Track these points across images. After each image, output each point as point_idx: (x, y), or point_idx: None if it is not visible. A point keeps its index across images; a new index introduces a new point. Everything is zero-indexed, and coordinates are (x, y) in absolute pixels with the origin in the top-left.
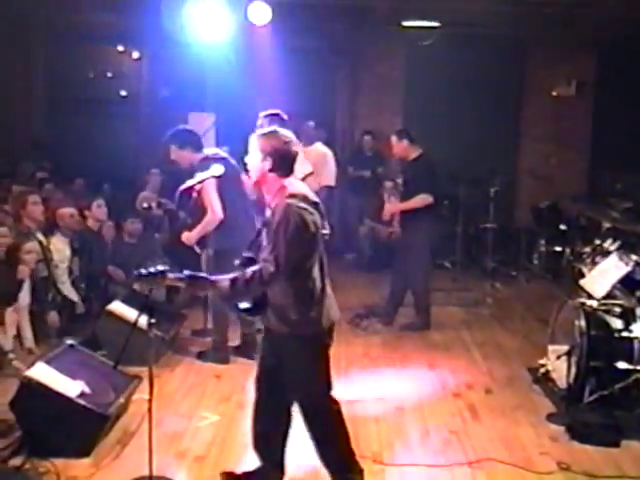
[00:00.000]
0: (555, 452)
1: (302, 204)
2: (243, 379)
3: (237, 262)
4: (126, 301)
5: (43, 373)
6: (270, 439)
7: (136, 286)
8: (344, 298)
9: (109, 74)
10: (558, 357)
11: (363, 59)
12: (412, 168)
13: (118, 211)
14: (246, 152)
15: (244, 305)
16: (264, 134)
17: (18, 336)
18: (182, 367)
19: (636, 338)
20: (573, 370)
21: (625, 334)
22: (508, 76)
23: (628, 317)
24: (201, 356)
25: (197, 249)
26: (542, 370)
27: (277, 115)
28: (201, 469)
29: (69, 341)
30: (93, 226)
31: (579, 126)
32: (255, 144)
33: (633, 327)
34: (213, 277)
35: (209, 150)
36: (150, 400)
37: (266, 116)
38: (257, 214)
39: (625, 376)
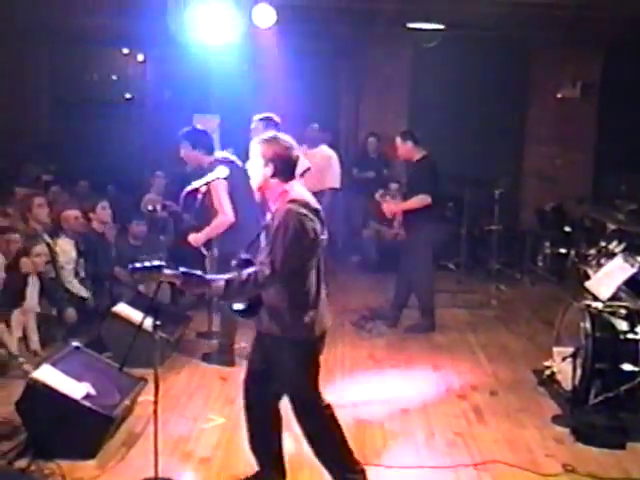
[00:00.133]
0: (560, 454)
1: (303, 210)
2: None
3: (234, 263)
4: (131, 303)
5: (49, 375)
6: (266, 441)
7: (141, 288)
8: (349, 300)
9: (114, 77)
10: (563, 359)
11: (368, 61)
12: (415, 169)
13: (123, 213)
14: (248, 155)
15: (238, 306)
16: (265, 140)
17: (24, 338)
18: (187, 369)
19: None
20: (578, 372)
21: (630, 336)
22: (513, 78)
23: (633, 319)
24: (206, 358)
25: (204, 251)
26: (547, 372)
27: (271, 118)
28: (206, 471)
29: (75, 343)
30: (98, 228)
31: (584, 128)
32: (256, 150)
33: (638, 329)
34: (209, 276)
35: (220, 153)
36: (155, 402)
37: (261, 119)
38: (261, 217)
39: (630, 378)
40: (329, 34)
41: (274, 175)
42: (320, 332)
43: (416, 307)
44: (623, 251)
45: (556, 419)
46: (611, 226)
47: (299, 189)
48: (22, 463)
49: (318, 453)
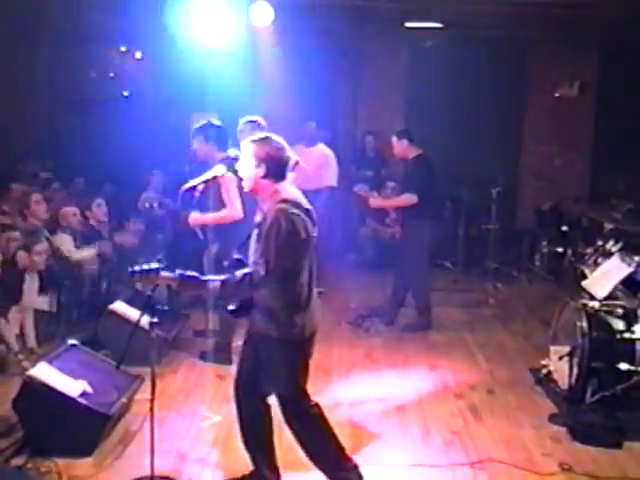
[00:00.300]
0: (557, 453)
1: (294, 209)
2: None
3: (226, 263)
4: (129, 301)
5: (45, 373)
6: (257, 439)
7: (138, 286)
8: (346, 299)
9: (111, 74)
10: (560, 358)
11: (365, 60)
12: (410, 167)
13: (120, 211)
14: None
15: (229, 307)
16: (257, 140)
17: (21, 335)
18: (184, 367)
19: (638, 339)
20: (575, 371)
21: (627, 335)
22: (510, 77)
23: (630, 318)
24: (203, 356)
25: (200, 235)
26: (544, 371)
27: (257, 121)
28: (203, 469)
29: (71, 341)
30: (95, 225)
31: (581, 127)
32: (248, 150)
33: (635, 328)
34: (205, 277)
35: (233, 151)
36: (152, 400)
37: (248, 122)
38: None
39: (627, 377)
40: (327, 33)
41: (266, 176)
42: (310, 333)
43: (413, 306)
44: (620, 250)
45: (553, 418)
46: (608, 225)
47: (290, 189)
48: (19, 461)
49: (309, 453)
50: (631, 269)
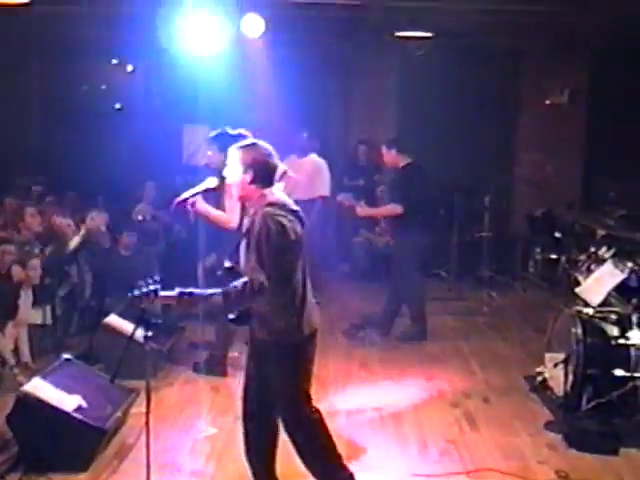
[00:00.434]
0: (553, 461)
1: (281, 211)
2: (241, 391)
3: (219, 272)
4: (123, 314)
5: (40, 388)
6: (262, 451)
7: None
8: (340, 309)
9: (103, 87)
10: (555, 365)
11: (357, 70)
12: (400, 176)
13: (113, 223)
14: None
15: (231, 315)
16: (244, 147)
17: (15, 350)
18: (180, 380)
19: (633, 345)
20: (570, 378)
21: (621, 341)
22: (502, 85)
23: (624, 324)
24: (197, 368)
25: (191, 211)
26: (539, 378)
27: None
28: None
29: (65, 355)
30: (92, 237)
31: (573, 134)
32: (235, 156)
33: (629, 334)
34: (205, 292)
35: None
36: (147, 414)
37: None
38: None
39: (622, 383)
40: (318, 43)
41: (253, 181)
42: (309, 332)
43: (408, 316)
44: (613, 257)
45: (549, 425)
46: (601, 232)
47: (277, 193)
48: (14, 477)
49: (306, 460)
50: (624, 275)
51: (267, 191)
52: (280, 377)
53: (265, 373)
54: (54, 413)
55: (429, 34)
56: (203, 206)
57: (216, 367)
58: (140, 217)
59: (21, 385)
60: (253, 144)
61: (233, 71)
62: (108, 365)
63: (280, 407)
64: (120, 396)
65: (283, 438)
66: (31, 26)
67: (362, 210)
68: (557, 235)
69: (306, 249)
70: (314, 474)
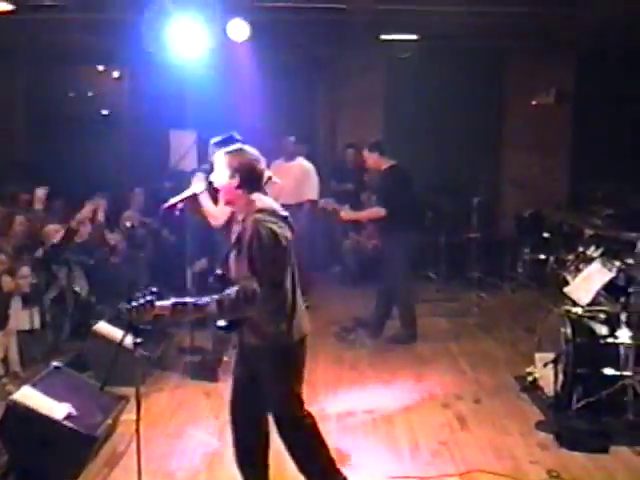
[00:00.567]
0: (545, 460)
1: (271, 218)
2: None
3: (210, 280)
4: (112, 321)
5: (29, 396)
6: (252, 456)
7: (121, 306)
8: (330, 312)
9: (90, 93)
10: (545, 365)
11: (343, 73)
12: (384, 180)
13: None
14: None
15: (220, 323)
16: (231, 151)
17: (4, 359)
18: (170, 386)
19: (621, 344)
20: (560, 377)
21: (611, 340)
22: (488, 86)
23: (613, 323)
24: (188, 372)
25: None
26: (529, 378)
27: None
28: None
29: (55, 363)
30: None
31: (559, 134)
32: (222, 161)
33: (618, 333)
34: (199, 301)
35: None
36: (137, 420)
37: (216, 143)
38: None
39: (612, 382)
40: (304, 47)
41: (240, 186)
42: (299, 337)
43: (398, 318)
44: (601, 256)
45: (539, 425)
46: (588, 231)
47: (265, 199)
48: None
49: (300, 464)
50: (612, 274)
51: (255, 197)
52: (271, 382)
53: (255, 379)
54: (44, 421)
55: (414, 37)
56: (205, 199)
57: (208, 372)
58: (128, 224)
59: (10, 394)
60: (240, 149)
61: (219, 76)
62: (98, 372)
63: (272, 412)
64: (110, 403)
65: (276, 443)
66: (17, 33)
67: (346, 214)
68: (545, 235)
69: (295, 254)
70: (309, 478)
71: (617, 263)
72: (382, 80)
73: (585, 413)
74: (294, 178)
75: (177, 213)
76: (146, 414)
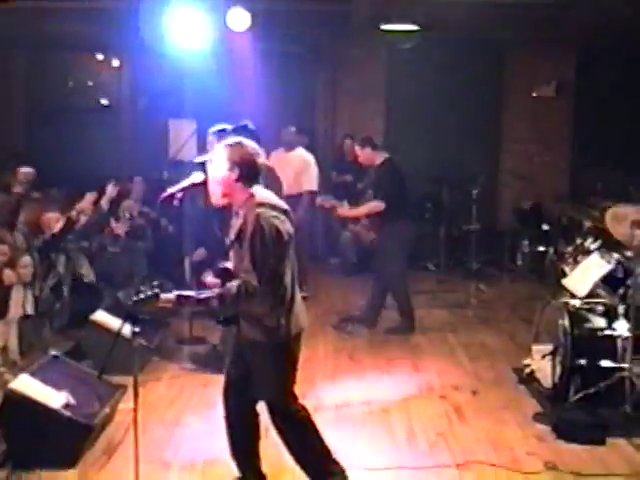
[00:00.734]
0: (542, 452)
1: (273, 212)
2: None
3: (212, 274)
4: (110, 310)
5: (27, 385)
6: (246, 448)
7: (120, 295)
8: (329, 302)
9: (89, 83)
10: (543, 357)
11: (343, 63)
12: (378, 173)
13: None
14: None
15: (220, 316)
16: (230, 144)
17: (3, 348)
18: (167, 376)
19: (619, 336)
20: (558, 369)
21: (608, 332)
22: (488, 77)
23: (611, 315)
24: (196, 362)
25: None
26: (527, 370)
27: (225, 130)
28: (188, 478)
29: (53, 352)
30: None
31: (560, 126)
32: (221, 154)
33: (616, 325)
34: (201, 295)
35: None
36: (135, 410)
37: (215, 132)
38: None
39: (609, 374)
40: (304, 37)
41: (239, 179)
42: (296, 331)
43: (396, 308)
44: (599, 248)
45: (537, 417)
46: (587, 223)
47: (264, 192)
48: (2, 474)
49: (296, 457)
50: (610, 266)
51: (254, 190)
52: (266, 376)
53: (250, 372)
54: (42, 410)
55: (415, 27)
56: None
57: (217, 362)
58: (127, 214)
59: (8, 383)
60: (239, 142)
61: (219, 65)
62: (96, 361)
63: (268, 406)
64: (108, 392)
65: (272, 435)
66: (16, 21)
67: (343, 211)
68: (545, 227)
69: (294, 246)
70: (306, 471)
71: (615, 255)
72: (382, 71)
73: (582, 405)
74: (293, 169)
75: (175, 203)
76: (144, 403)
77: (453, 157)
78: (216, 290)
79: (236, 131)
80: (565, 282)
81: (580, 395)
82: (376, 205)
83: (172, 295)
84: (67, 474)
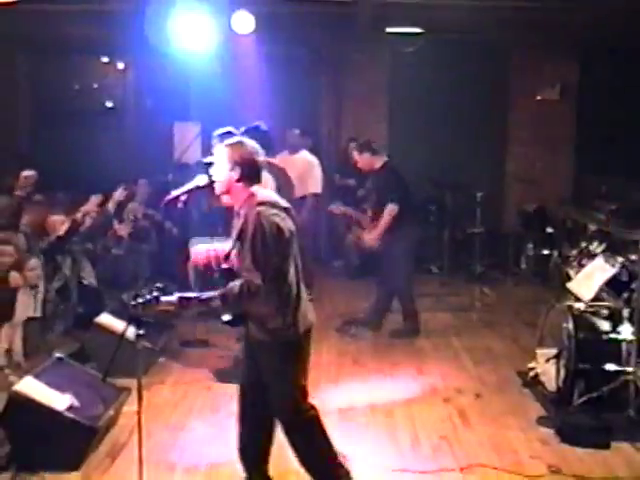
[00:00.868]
0: (546, 455)
1: (273, 210)
2: (233, 390)
3: (216, 274)
4: (114, 313)
5: (31, 387)
6: (256, 450)
7: (124, 297)
8: (332, 305)
9: (94, 85)
10: (547, 360)
11: (347, 66)
12: (380, 178)
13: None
14: None
15: (225, 317)
16: (231, 144)
17: (8, 350)
18: (172, 378)
19: (624, 340)
20: (562, 373)
21: (613, 336)
22: (492, 80)
23: (615, 319)
24: (222, 374)
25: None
26: (531, 374)
27: (230, 132)
28: None
29: (57, 354)
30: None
31: (564, 129)
32: (222, 154)
33: (620, 329)
34: (203, 295)
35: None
36: (139, 412)
37: (219, 135)
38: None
39: (614, 378)
40: (308, 40)
41: (240, 179)
42: (304, 329)
43: (400, 312)
44: (604, 251)
45: (541, 420)
46: (592, 227)
47: (265, 191)
48: (6, 476)
49: (302, 458)
50: (615, 270)
51: (255, 189)
52: (277, 376)
53: (261, 372)
54: (46, 412)
55: (419, 30)
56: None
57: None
58: (132, 216)
59: (13, 385)
60: (240, 142)
61: (223, 68)
62: (100, 363)
63: (278, 405)
64: (112, 394)
65: (278, 436)
66: (20, 24)
67: (370, 237)
68: (549, 230)
69: (298, 246)
70: (311, 472)
71: (620, 259)
72: (386, 74)
73: (586, 409)
74: (297, 171)
75: (180, 206)
76: (148, 406)
77: (457, 160)
78: (218, 290)
79: (248, 132)
80: (569, 285)
81: (584, 399)
82: (392, 209)
83: (174, 297)
84: (71, 476)
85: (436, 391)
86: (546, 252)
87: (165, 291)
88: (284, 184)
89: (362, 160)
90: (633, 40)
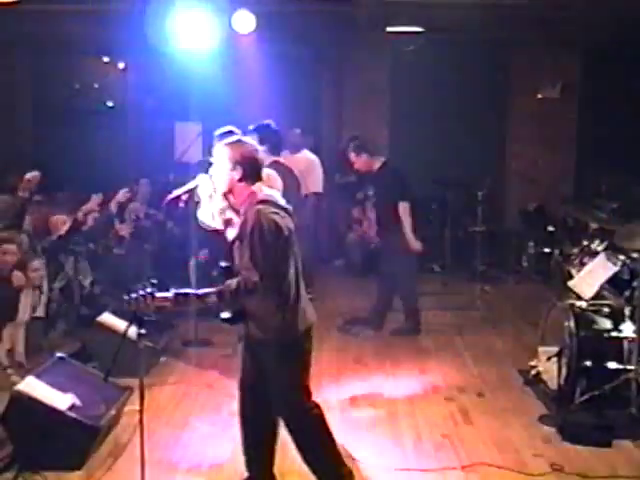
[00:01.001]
0: (548, 453)
1: (273, 209)
2: (235, 389)
3: (215, 272)
4: (116, 312)
5: (33, 387)
6: (259, 449)
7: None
8: (334, 304)
9: (95, 85)
10: (549, 358)
11: (348, 65)
12: (380, 178)
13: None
14: None
15: (224, 315)
16: (231, 143)
17: (10, 350)
18: (174, 377)
19: (625, 338)
20: (564, 371)
21: (614, 334)
22: (493, 79)
23: (617, 317)
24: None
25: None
26: (533, 372)
27: (231, 131)
28: None
29: (59, 354)
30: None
31: (564, 128)
32: (222, 154)
33: (622, 327)
34: (200, 291)
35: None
36: (141, 411)
37: (219, 135)
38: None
39: (615, 376)
40: (309, 39)
41: (241, 179)
42: (305, 327)
43: (402, 310)
44: (605, 250)
45: (543, 419)
46: (593, 225)
47: (265, 189)
48: (8, 476)
49: (306, 456)
50: (616, 268)
51: (255, 188)
52: (280, 375)
53: (263, 372)
54: (48, 412)
55: (420, 29)
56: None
57: None
58: (133, 216)
59: (15, 384)
60: (239, 140)
61: (224, 67)
62: (102, 363)
63: (281, 404)
64: (114, 394)
65: (282, 434)
66: (21, 24)
67: (415, 245)
68: (550, 229)
69: (298, 245)
70: (314, 471)
71: (621, 257)
72: (387, 72)
73: (588, 407)
74: (299, 170)
75: (181, 205)
76: (150, 405)
77: (458, 159)
78: (216, 287)
79: (259, 130)
80: (571, 284)
81: (586, 397)
82: (405, 207)
83: (169, 294)
84: (73, 476)
85: (438, 389)
86: (547, 250)
87: (160, 286)
88: (291, 183)
89: (359, 162)
90: (634, 38)
